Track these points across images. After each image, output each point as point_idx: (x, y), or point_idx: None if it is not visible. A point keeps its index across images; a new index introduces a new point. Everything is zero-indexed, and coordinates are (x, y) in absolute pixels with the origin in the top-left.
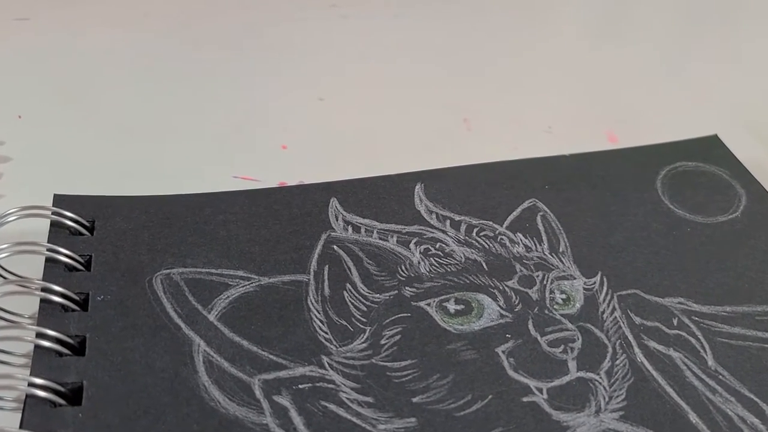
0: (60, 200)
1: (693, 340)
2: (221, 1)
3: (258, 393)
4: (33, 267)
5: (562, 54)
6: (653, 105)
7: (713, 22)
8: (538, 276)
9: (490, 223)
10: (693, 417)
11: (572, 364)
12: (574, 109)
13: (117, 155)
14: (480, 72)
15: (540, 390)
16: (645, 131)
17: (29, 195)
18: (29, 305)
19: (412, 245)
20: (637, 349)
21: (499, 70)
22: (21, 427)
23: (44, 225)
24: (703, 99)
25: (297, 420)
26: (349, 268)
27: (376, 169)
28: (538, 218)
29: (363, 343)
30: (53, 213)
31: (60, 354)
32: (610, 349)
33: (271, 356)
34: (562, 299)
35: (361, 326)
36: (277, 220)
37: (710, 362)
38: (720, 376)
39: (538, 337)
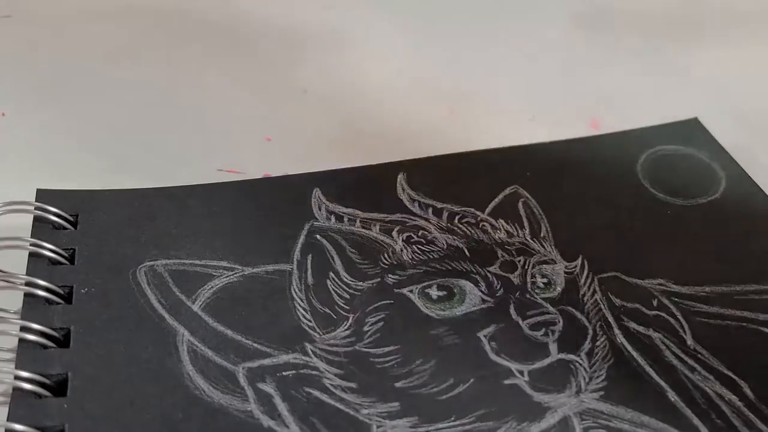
0: (43, 195)
1: (672, 321)
2: None
3: (242, 381)
4: (17, 262)
5: (546, 43)
6: (636, 91)
7: (695, 8)
8: (519, 261)
9: (472, 210)
10: (672, 395)
11: (553, 347)
12: (557, 97)
13: (100, 150)
14: (464, 62)
15: (521, 372)
16: (628, 117)
17: (12, 191)
18: (13, 300)
19: (394, 233)
20: (617, 331)
21: (484, 59)
22: (8, 419)
23: (27, 220)
24: (685, 84)
25: (281, 406)
26: (332, 257)
27: (361, 159)
28: (520, 204)
29: (346, 330)
30: (36, 208)
31: (45, 347)
32: (590, 331)
33: (255, 344)
34: (543, 283)
35: (345, 314)
36: (261, 211)
37: (689, 341)
38: (699, 355)
39: (520, 321)
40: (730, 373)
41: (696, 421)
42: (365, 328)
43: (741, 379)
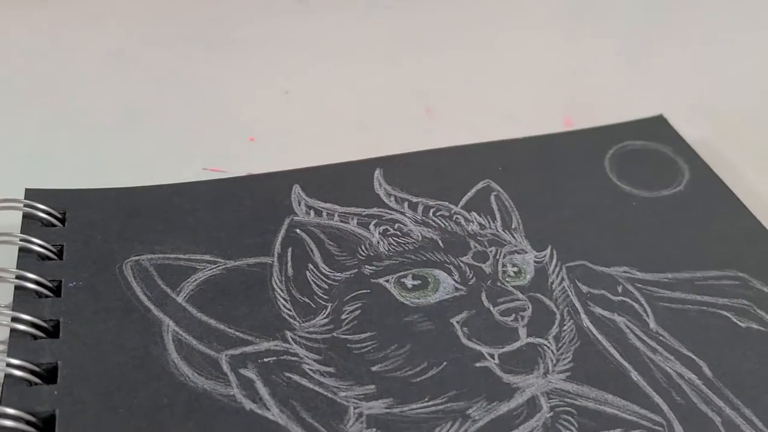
0: (32, 194)
1: (636, 306)
2: None
3: (225, 367)
4: (6, 258)
5: (523, 42)
6: (608, 90)
7: (667, 11)
8: (491, 251)
9: (446, 203)
10: (635, 375)
11: (522, 331)
12: (532, 96)
13: (87, 150)
14: (442, 60)
15: (492, 356)
16: (600, 115)
17: (1, 190)
18: (4, 294)
19: (371, 226)
20: (583, 315)
21: (461, 58)
22: (1, 405)
23: (17, 217)
24: (654, 83)
25: (263, 390)
26: (312, 250)
27: (342, 157)
28: (492, 198)
29: (325, 318)
30: (25, 205)
31: (35, 337)
32: (558, 316)
33: (237, 333)
34: (513, 272)
35: (323, 303)
36: (242, 207)
37: (652, 325)
38: (661, 337)
39: (491, 308)
40: (690, 354)
41: (657, 399)
42: (343, 317)
43: (700, 359)
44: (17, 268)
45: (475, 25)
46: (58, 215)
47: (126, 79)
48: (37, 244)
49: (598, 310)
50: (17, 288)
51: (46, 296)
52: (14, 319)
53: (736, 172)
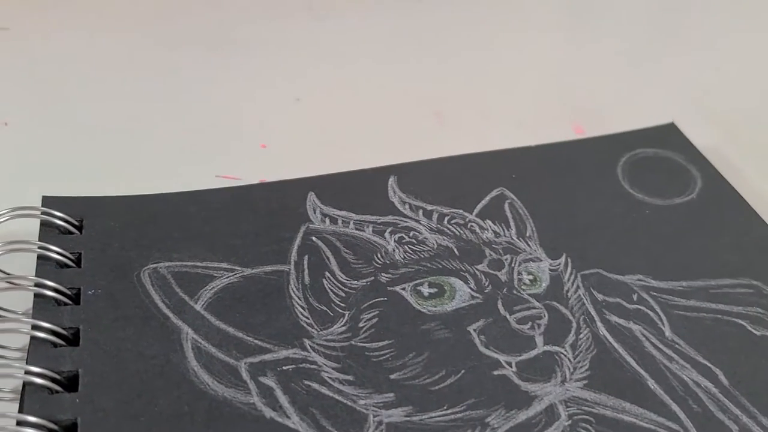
0: (49, 201)
1: (651, 314)
2: (200, 4)
3: (245, 375)
4: (25, 266)
5: (531, 49)
6: (618, 97)
7: (672, 17)
8: (506, 259)
9: (461, 211)
10: (651, 383)
11: (539, 339)
12: (542, 103)
13: (103, 157)
14: (451, 68)
15: (509, 364)
16: (610, 122)
17: (18, 198)
18: (23, 302)
19: (386, 234)
20: (599, 324)
21: (470, 66)
22: (21, 412)
23: (35, 225)
24: (664, 89)
25: (282, 398)
26: (328, 258)
27: (353, 164)
28: (506, 205)
29: (342, 326)
30: (43, 213)
31: (55, 345)
32: (574, 324)
33: (256, 341)
34: (529, 280)
35: (341, 311)
36: (258, 215)
37: (667, 333)
38: (676, 345)
39: (507, 316)
40: (705, 362)
41: (674, 407)
42: (360, 324)
43: (716, 367)
44: (36, 275)
45: (484, 32)
46: (76, 223)
47: (139, 86)
48: (55, 252)
49: (614, 318)
50: (36, 296)
51: (65, 304)
52: (34, 327)
53: (746, 178)
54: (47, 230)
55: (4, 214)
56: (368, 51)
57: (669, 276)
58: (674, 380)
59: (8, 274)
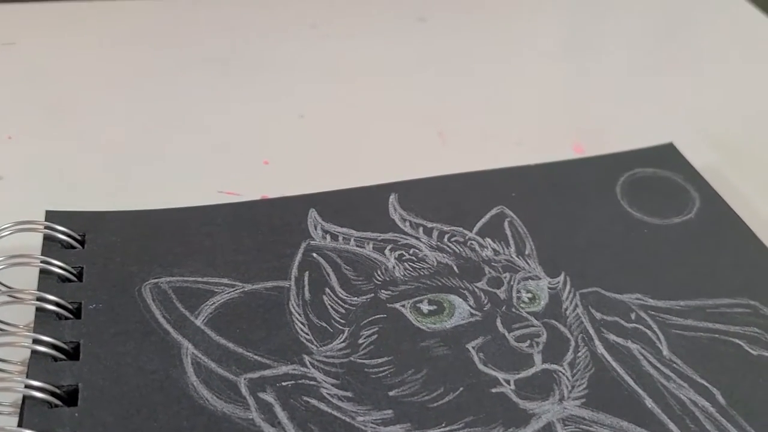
0: (52, 216)
1: (649, 333)
2: (204, 22)
3: (244, 391)
4: (27, 279)
5: (532, 69)
6: (617, 117)
7: (673, 37)
8: (505, 277)
9: (461, 229)
10: (649, 402)
11: (538, 357)
12: (542, 123)
13: (105, 172)
14: (453, 87)
15: (508, 381)
16: (609, 142)
17: (21, 212)
18: (24, 316)
19: (387, 251)
20: (597, 342)
21: (472, 85)
22: (21, 426)
23: (37, 239)
24: (663, 110)
25: (281, 414)
26: (328, 274)
27: (355, 181)
28: (506, 224)
29: (342, 342)
30: (46, 227)
31: (55, 359)
32: (572, 343)
33: (255, 357)
34: (528, 298)
35: (340, 327)
36: (259, 231)
37: (665, 352)
38: (674, 365)
39: (506, 333)
40: (703, 381)
41: (672, 426)
42: (360, 341)
43: (713, 387)
44: (38, 289)
45: (486, 52)
46: (78, 237)
47: (143, 102)
48: (57, 266)
49: (612, 337)
50: (38, 309)
51: (66, 318)
52: (35, 341)
53: (743, 198)
54: (50, 244)
55: (7, 228)
56: (371, 69)
57: (667, 295)
58: (672, 399)
59: (10, 287)
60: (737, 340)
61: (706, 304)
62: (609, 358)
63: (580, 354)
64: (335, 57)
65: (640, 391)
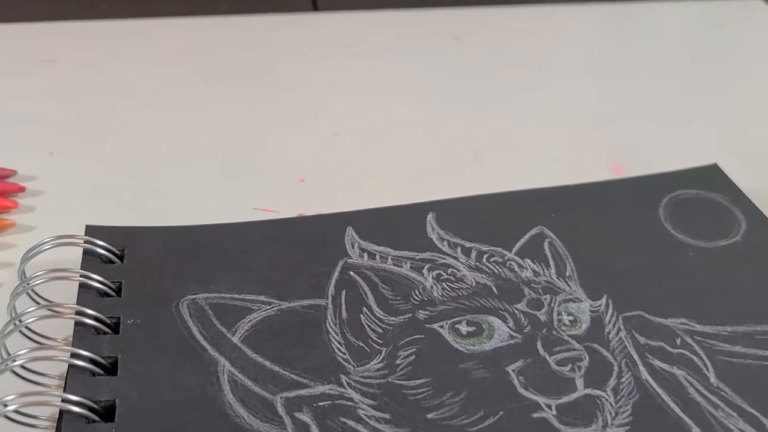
0: (92, 230)
1: (695, 359)
2: (241, 42)
3: (280, 410)
4: (67, 293)
5: (571, 88)
6: (658, 138)
7: (716, 57)
8: (545, 299)
9: (500, 249)
10: (696, 431)
11: (580, 382)
12: (581, 142)
13: (144, 188)
14: (489, 107)
15: (549, 406)
16: (649, 163)
17: (61, 226)
18: (63, 330)
19: (425, 271)
20: (642, 368)
21: (508, 104)
22: None
23: (77, 254)
24: (705, 130)
25: None
26: (365, 293)
27: (390, 200)
28: (546, 244)
29: (379, 363)
30: (85, 242)
31: (93, 374)
32: (616, 368)
33: (292, 375)
34: (569, 321)
35: (378, 347)
36: (296, 248)
37: (712, 379)
38: (722, 393)
39: (547, 357)
40: (753, 411)
41: None
42: (398, 361)
43: (764, 417)
44: (77, 304)
45: (524, 71)
46: (117, 252)
47: (181, 120)
48: (96, 281)
49: (657, 363)
50: (77, 324)
51: (105, 333)
52: (73, 355)
53: None
54: (89, 259)
55: (47, 242)
56: (406, 88)
57: (713, 320)
58: (720, 429)
59: (50, 301)
60: None
61: (754, 330)
62: (654, 385)
63: (623, 379)
64: (371, 76)
65: (687, 420)
